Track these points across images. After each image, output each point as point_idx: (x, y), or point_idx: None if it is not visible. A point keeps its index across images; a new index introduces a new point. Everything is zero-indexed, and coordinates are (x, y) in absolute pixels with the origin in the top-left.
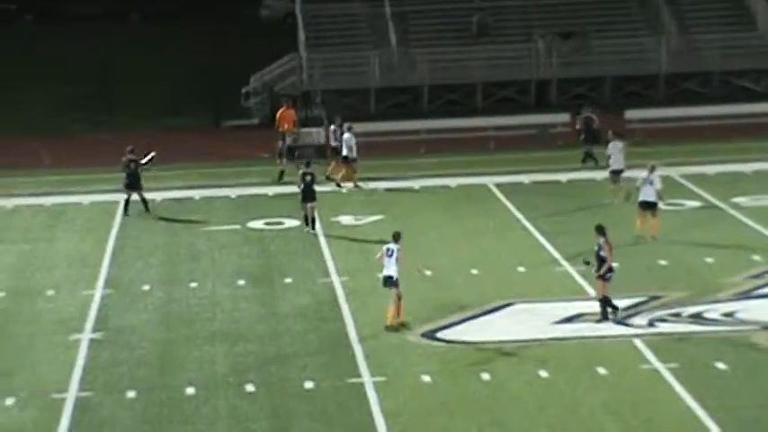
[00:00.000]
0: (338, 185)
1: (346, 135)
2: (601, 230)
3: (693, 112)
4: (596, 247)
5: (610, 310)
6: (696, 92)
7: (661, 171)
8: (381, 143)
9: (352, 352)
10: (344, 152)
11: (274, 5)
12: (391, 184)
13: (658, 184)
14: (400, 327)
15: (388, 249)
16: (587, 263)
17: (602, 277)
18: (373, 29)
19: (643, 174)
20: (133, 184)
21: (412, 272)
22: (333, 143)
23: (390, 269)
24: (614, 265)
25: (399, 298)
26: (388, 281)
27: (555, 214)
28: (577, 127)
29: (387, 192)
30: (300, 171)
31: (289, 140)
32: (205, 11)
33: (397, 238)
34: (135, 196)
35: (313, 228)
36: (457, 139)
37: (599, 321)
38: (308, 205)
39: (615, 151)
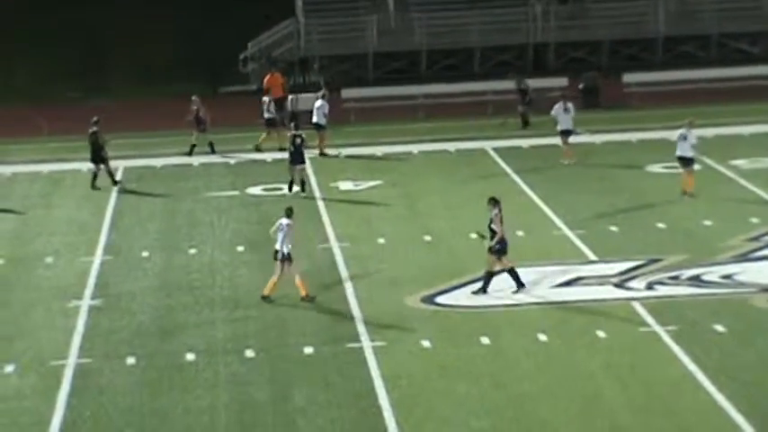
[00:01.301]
0: (258, 149)
1: (319, 102)
2: (494, 202)
3: (691, 75)
4: (489, 220)
5: (515, 285)
6: (693, 55)
7: (658, 134)
8: (379, 108)
9: (351, 317)
10: (315, 119)
11: None
12: (390, 149)
13: (693, 140)
14: (306, 299)
15: (279, 224)
16: (481, 236)
17: (492, 250)
18: None
19: (680, 129)
20: (97, 157)
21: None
22: (266, 114)
23: (280, 244)
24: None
25: (284, 273)
26: (276, 254)
27: (553, 178)
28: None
29: (385, 157)
30: (290, 134)
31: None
32: None
33: (289, 213)
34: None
35: (303, 190)
36: (455, 104)
37: (515, 292)
38: (297, 167)
39: (560, 112)
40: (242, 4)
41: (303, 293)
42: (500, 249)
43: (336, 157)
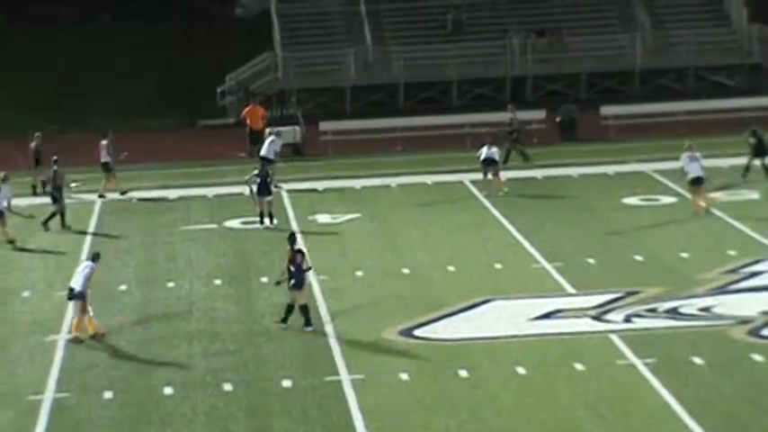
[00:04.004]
0: (101, 196)
1: (271, 138)
2: (291, 239)
3: (668, 107)
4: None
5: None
6: (671, 88)
7: (636, 166)
8: (357, 141)
9: (329, 350)
10: (263, 152)
11: (249, 4)
12: (368, 182)
13: (702, 160)
14: (80, 339)
15: (84, 264)
16: (278, 282)
17: (290, 287)
18: (348, 27)
19: (684, 155)
20: (57, 196)
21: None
22: (103, 159)
23: (76, 281)
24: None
25: (84, 311)
26: (71, 292)
27: (531, 211)
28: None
29: (363, 189)
30: (255, 169)
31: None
32: (179, 10)
33: (95, 258)
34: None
35: (271, 222)
36: (433, 137)
37: (305, 326)
38: (265, 200)
39: (486, 149)
40: (220, 38)
41: (74, 334)
42: (295, 284)
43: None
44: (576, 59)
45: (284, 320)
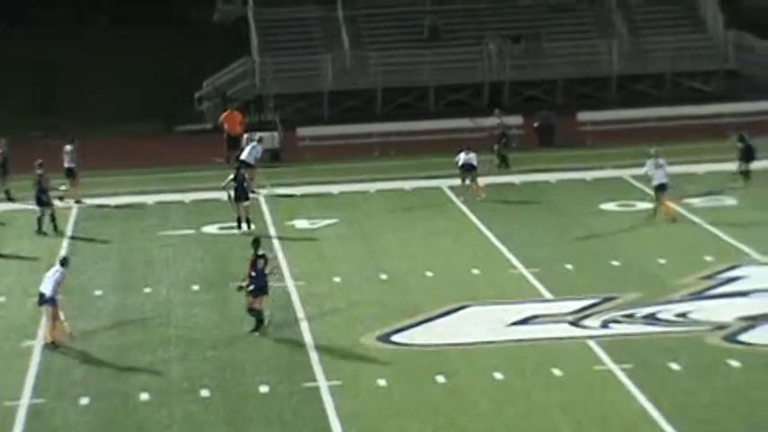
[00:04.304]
0: (61, 199)
1: (254, 143)
2: (255, 244)
3: (645, 113)
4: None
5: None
6: (647, 93)
7: (613, 172)
8: (335, 146)
9: (307, 356)
10: (243, 156)
11: (227, 9)
12: (346, 187)
13: (666, 168)
14: (54, 344)
15: (54, 269)
16: (240, 288)
17: (249, 291)
18: (326, 32)
19: (649, 161)
20: (42, 200)
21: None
22: (66, 164)
23: (46, 286)
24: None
25: (56, 316)
26: (41, 298)
27: (509, 217)
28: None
29: (341, 195)
30: (232, 174)
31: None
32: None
33: (64, 262)
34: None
35: (249, 227)
36: (410, 142)
37: (251, 331)
38: (242, 205)
39: (463, 155)
40: (198, 43)
41: (48, 340)
42: (253, 290)
43: (265, 191)
44: (553, 65)
45: (256, 329)
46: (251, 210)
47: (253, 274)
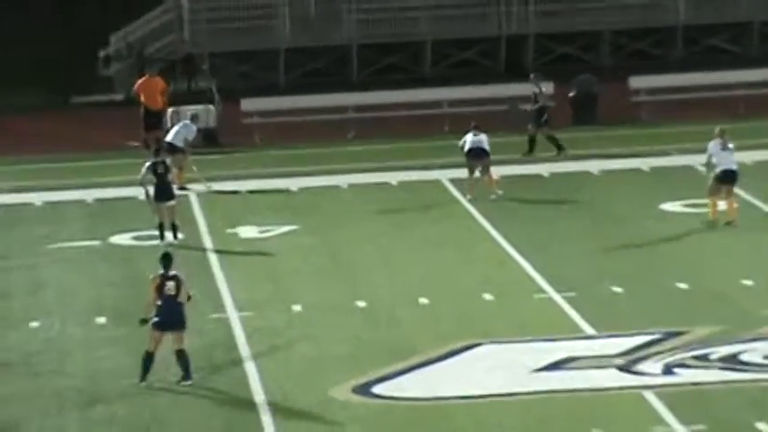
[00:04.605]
0: None
1: (185, 122)
2: (165, 260)
3: (722, 78)
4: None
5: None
6: (727, 51)
7: (679, 159)
8: (294, 125)
9: (255, 415)
10: (170, 138)
11: None
12: (308, 182)
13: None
14: None
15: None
16: (144, 321)
17: (154, 324)
18: None
19: (713, 142)
20: None
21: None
22: None
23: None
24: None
25: None
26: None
27: (533, 221)
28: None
29: (302, 192)
30: (148, 162)
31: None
32: None
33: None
34: None
35: (175, 236)
36: (398, 119)
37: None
38: (165, 205)
39: (471, 137)
40: None
41: None
42: (158, 323)
43: (200, 186)
44: (596, 12)
45: (185, 377)
46: (177, 212)
47: (159, 302)
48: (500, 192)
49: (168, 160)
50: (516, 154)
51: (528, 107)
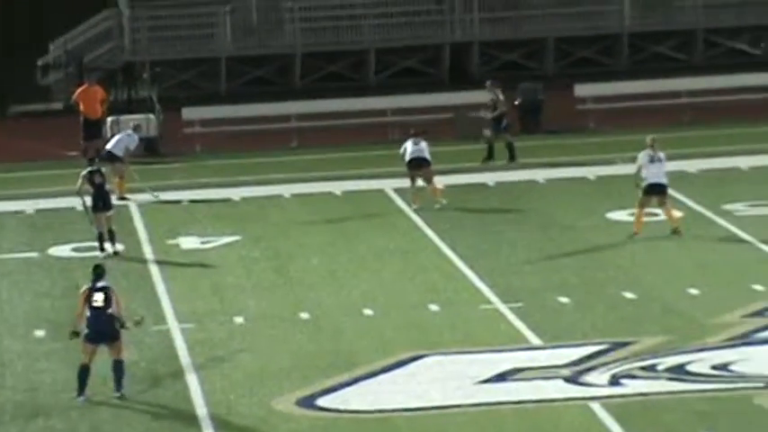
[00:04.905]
0: None
1: (127, 132)
2: (97, 272)
3: (668, 85)
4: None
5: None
6: (673, 58)
7: (625, 168)
8: (236, 134)
9: (198, 428)
10: (109, 146)
11: None
12: (251, 192)
13: (665, 162)
14: None
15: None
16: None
17: (85, 338)
18: None
19: (644, 153)
20: None
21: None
22: None
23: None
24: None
25: None
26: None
27: (480, 230)
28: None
29: (245, 202)
30: (84, 171)
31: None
32: None
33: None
34: None
35: (113, 245)
36: (342, 128)
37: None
38: (104, 216)
39: (411, 145)
40: None
41: None
42: (90, 335)
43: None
44: (541, 19)
45: (116, 388)
46: (116, 222)
47: (87, 313)
48: (444, 201)
49: (105, 169)
50: (463, 162)
51: (486, 114)
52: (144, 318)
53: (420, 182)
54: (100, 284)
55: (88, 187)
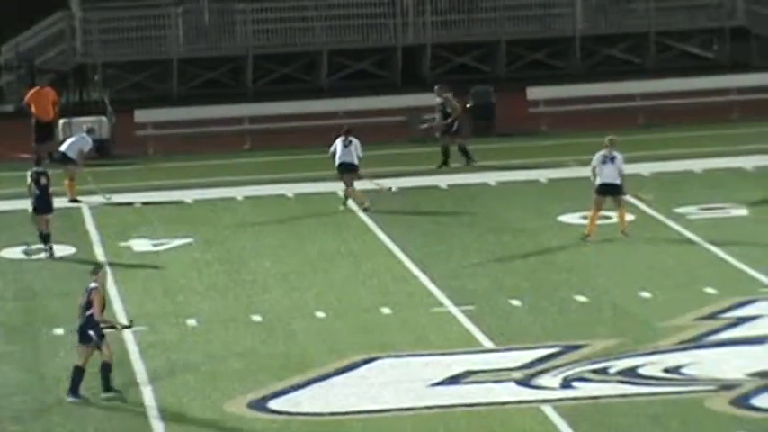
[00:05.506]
0: None
1: (80, 136)
2: (96, 271)
3: (621, 88)
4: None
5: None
6: (625, 61)
7: (577, 170)
8: (188, 136)
9: (149, 430)
10: (63, 148)
11: None
12: (203, 194)
13: (622, 164)
14: None
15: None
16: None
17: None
18: None
19: (601, 152)
20: None
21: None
22: None
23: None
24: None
25: None
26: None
27: (432, 233)
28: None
29: (197, 204)
30: (31, 171)
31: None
32: None
33: (95, 270)
34: None
35: (46, 246)
36: (295, 130)
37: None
38: (45, 218)
39: (340, 147)
40: None
41: None
42: (82, 336)
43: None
44: (493, 22)
45: (73, 391)
46: (51, 223)
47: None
48: (367, 205)
49: (52, 171)
50: (415, 165)
51: (434, 117)
52: (133, 322)
53: (351, 184)
54: (89, 286)
55: (34, 188)
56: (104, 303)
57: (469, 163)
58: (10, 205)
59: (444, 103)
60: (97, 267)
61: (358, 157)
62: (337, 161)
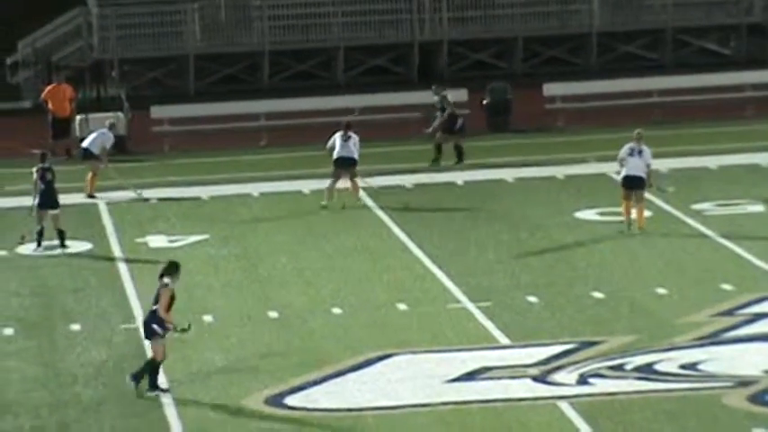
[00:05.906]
0: None
1: (101, 131)
2: (170, 270)
3: (638, 85)
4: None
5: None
6: (642, 57)
7: (594, 167)
8: (204, 133)
9: (166, 425)
10: (86, 144)
11: None
12: (219, 190)
13: (649, 158)
14: None
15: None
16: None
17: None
18: None
19: (627, 146)
20: None
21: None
22: None
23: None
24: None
25: None
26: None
27: (447, 230)
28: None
29: (213, 200)
30: (36, 167)
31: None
32: None
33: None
34: None
35: (63, 244)
36: (311, 126)
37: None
38: (50, 213)
39: (339, 141)
40: None
41: None
42: (146, 332)
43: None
44: (510, 18)
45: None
46: (61, 219)
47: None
48: (361, 200)
49: (50, 164)
50: (428, 162)
51: (435, 116)
52: (190, 325)
53: (342, 182)
54: (162, 282)
55: (39, 183)
56: (172, 303)
57: (459, 163)
58: (25, 202)
59: (442, 102)
60: (173, 266)
61: (357, 153)
62: (336, 155)
